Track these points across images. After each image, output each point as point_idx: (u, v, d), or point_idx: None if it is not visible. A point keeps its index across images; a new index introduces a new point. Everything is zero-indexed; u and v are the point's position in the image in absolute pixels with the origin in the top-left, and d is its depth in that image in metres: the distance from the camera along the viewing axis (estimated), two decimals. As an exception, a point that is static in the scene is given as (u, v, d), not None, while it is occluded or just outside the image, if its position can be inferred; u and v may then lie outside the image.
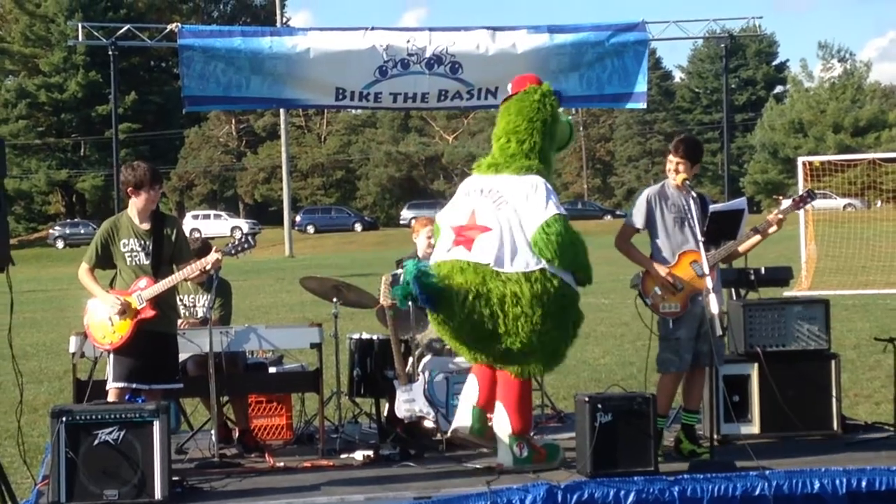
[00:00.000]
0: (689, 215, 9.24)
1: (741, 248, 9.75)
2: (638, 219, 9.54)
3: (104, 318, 9.15)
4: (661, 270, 9.26)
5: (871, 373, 15.34)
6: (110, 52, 13.81)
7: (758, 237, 9.61)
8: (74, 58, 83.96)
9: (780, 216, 9.63)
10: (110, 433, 8.27)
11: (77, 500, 8.16)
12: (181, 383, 9.47)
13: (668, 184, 9.60)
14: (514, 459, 8.99)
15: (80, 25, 14.91)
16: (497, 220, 8.89)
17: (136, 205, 9.30)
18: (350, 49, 13.18)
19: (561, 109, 9.39)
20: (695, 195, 9.29)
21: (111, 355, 9.17)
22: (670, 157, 9.56)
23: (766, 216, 9.70)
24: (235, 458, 10.08)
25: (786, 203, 9.86)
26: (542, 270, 8.77)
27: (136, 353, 9.09)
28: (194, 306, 10.85)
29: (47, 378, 17.62)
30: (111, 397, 9.08)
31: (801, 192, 10.07)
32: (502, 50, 13.36)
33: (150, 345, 9.12)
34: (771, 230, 9.61)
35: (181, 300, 10.65)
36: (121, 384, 9.10)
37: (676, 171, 9.49)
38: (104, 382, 9.30)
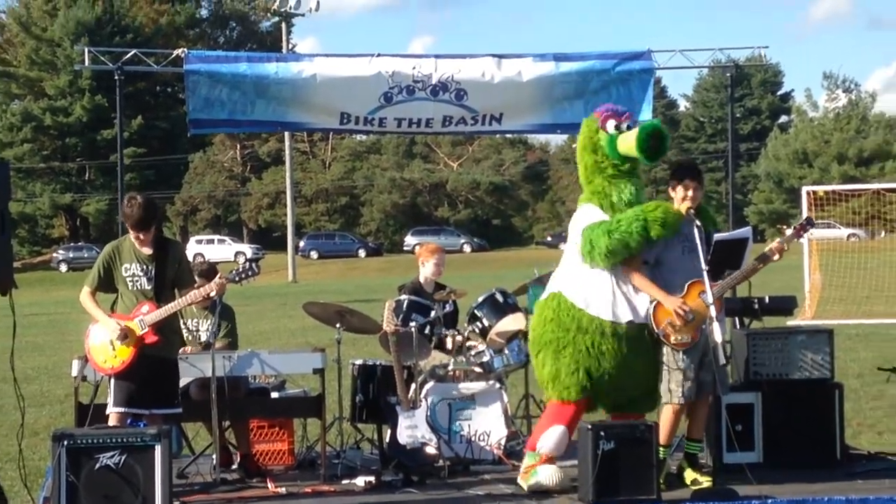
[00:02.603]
0: (694, 244, 9.21)
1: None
2: (651, 251, 9.48)
3: (105, 342, 9.14)
4: (675, 302, 9.19)
5: (874, 402, 15.31)
6: (116, 77, 13.86)
7: (760, 265, 9.59)
8: (80, 82, 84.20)
9: (783, 245, 9.62)
10: (111, 457, 8.26)
11: (77, 524, 8.16)
12: (180, 408, 9.45)
13: None
14: None
15: (86, 50, 14.96)
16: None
17: (133, 235, 9.31)
18: (356, 75, 13.22)
19: (618, 123, 9.31)
20: (698, 224, 9.26)
21: (112, 380, 9.16)
22: (680, 184, 9.49)
23: (769, 244, 9.69)
24: (237, 482, 10.06)
25: (788, 232, 9.84)
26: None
27: (136, 377, 9.08)
28: (198, 331, 10.84)
29: (49, 401, 17.59)
30: (112, 422, 9.06)
31: (801, 221, 10.05)
32: (507, 77, 13.40)
33: (150, 369, 9.10)
34: (775, 258, 9.60)
35: (185, 324, 10.65)
36: (121, 409, 9.08)
37: (686, 199, 9.43)
38: (106, 406, 9.28)
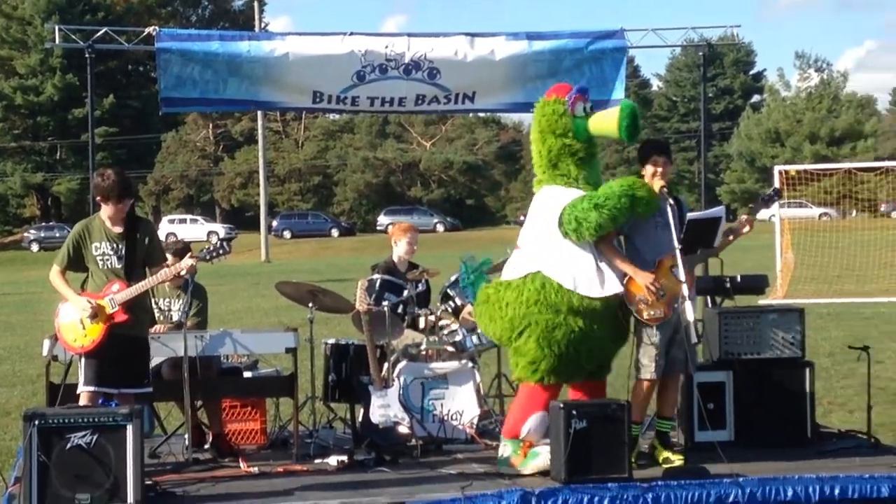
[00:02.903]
0: (667, 219, 9.23)
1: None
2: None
3: (75, 320, 9.10)
4: (647, 277, 9.22)
5: (845, 381, 15.37)
6: (87, 55, 13.76)
7: (731, 238, 9.64)
8: (51, 60, 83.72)
9: (752, 216, 9.69)
10: (83, 437, 8.23)
11: (49, 504, 8.13)
12: (151, 387, 9.41)
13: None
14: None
15: (56, 28, 14.84)
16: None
17: (106, 211, 9.25)
18: (328, 53, 13.17)
19: (584, 105, 9.31)
20: (671, 200, 9.28)
21: (82, 359, 9.12)
22: (649, 161, 9.50)
23: (739, 217, 9.76)
24: (209, 462, 10.04)
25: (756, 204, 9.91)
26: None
27: (106, 356, 9.04)
28: (170, 310, 10.81)
29: (20, 381, 17.53)
30: (83, 401, 9.02)
31: (769, 192, 10.09)
32: (480, 56, 13.36)
33: (121, 348, 9.06)
34: (745, 230, 9.65)
35: (157, 304, 10.63)
36: (91, 388, 9.04)
37: (657, 175, 9.45)
38: (77, 386, 9.24)
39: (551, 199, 9.26)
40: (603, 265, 9.22)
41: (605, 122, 9.15)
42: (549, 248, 9.23)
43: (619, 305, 9.29)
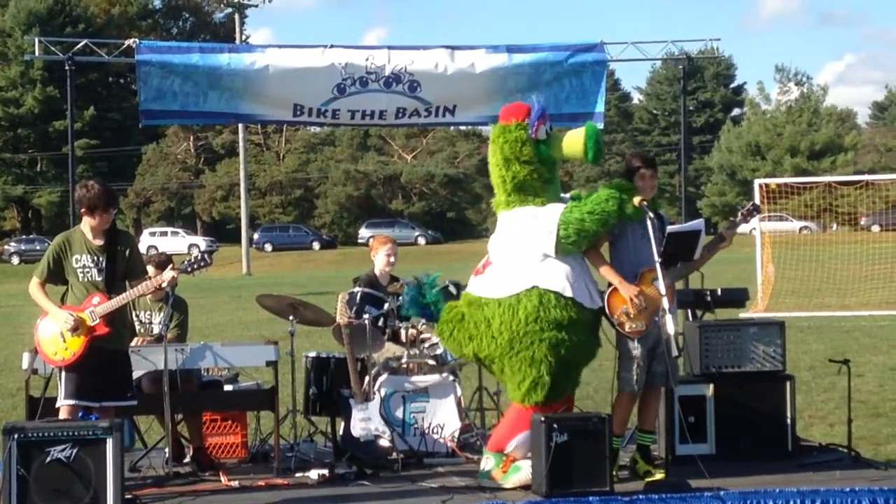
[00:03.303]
0: (648, 233, 9.26)
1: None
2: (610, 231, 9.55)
3: (56, 333, 9.06)
4: (632, 289, 9.26)
5: (826, 394, 15.40)
6: (67, 68, 13.71)
7: (710, 254, 9.68)
8: (31, 73, 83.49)
9: (732, 231, 9.74)
10: (63, 451, 8.21)
11: (28, 518, 8.09)
12: (134, 400, 9.38)
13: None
14: None
15: (36, 40, 14.79)
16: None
17: (88, 223, 9.22)
18: (309, 66, 13.15)
19: (546, 128, 9.32)
20: (652, 215, 9.32)
21: (62, 372, 9.08)
22: (637, 174, 9.55)
23: (719, 230, 9.80)
24: (189, 476, 10.02)
25: (736, 218, 9.95)
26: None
27: (87, 370, 9.00)
28: (150, 323, 10.78)
29: (0, 395, 17.47)
30: (63, 414, 8.99)
31: (748, 206, 10.13)
32: (461, 69, 13.35)
33: (102, 362, 9.03)
34: (722, 245, 9.70)
35: (137, 317, 10.60)
36: (72, 401, 9.00)
37: (644, 187, 9.51)
38: (57, 399, 9.19)
39: (534, 218, 9.23)
40: (591, 280, 9.27)
41: (571, 145, 9.25)
42: (542, 263, 9.21)
43: (598, 320, 9.33)
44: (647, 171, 9.57)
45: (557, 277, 9.15)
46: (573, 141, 9.20)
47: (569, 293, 9.10)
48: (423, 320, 10.50)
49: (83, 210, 9.19)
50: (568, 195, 9.63)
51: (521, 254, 9.29)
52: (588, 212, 9.10)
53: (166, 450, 10.11)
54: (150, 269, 10.04)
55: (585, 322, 9.19)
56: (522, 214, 9.31)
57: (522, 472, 9.05)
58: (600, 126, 13.70)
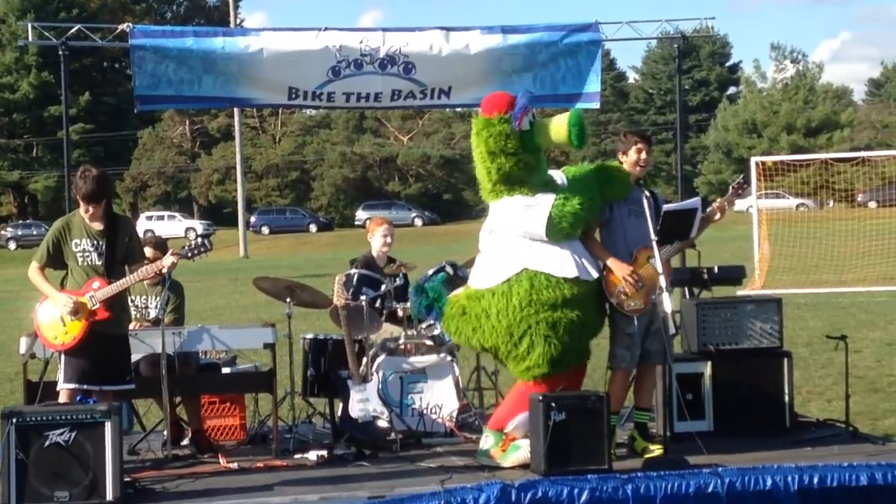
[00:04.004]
0: (642, 210, 9.29)
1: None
2: (604, 210, 9.54)
3: (56, 318, 9.06)
4: (626, 269, 9.29)
5: (823, 370, 15.43)
6: (61, 53, 13.70)
7: (703, 226, 9.70)
8: (26, 58, 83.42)
9: (724, 204, 9.78)
10: (61, 434, 8.22)
11: (27, 502, 8.09)
12: (133, 384, 9.39)
13: None
14: None
15: (30, 25, 14.79)
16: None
17: (84, 209, 9.21)
18: (303, 49, 13.13)
19: (530, 117, 9.29)
20: (647, 193, 9.35)
21: (62, 356, 9.09)
22: (634, 148, 9.57)
23: (713, 205, 9.84)
24: (188, 458, 10.04)
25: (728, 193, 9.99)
26: None
27: (87, 354, 9.01)
28: (147, 307, 10.79)
29: (-2, 380, 17.50)
30: (62, 398, 9.00)
31: (738, 180, 10.13)
32: (456, 51, 13.34)
33: (101, 346, 9.04)
34: (716, 218, 9.76)
35: (133, 301, 10.59)
36: (72, 385, 9.02)
37: (639, 162, 9.54)
38: (55, 384, 9.19)
39: (526, 208, 9.22)
40: (584, 252, 9.28)
41: (556, 133, 9.22)
42: (531, 246, 9.22)
43: (600, 291, 9.34)
44: (643, 146, 9.58)
45: (546, 257, 9.15)
46: (557, 128, 9.19)
47: (559, 272, 9.11)
48: (432, 320, 10.46)
49: (78, 197, 9.19)
50: (560, 171, 9.61)
51: (511, 240, 9.30)
52: (579, 202, 9.12)
53: (165, 432, 10.12)
54: (149, 250, 10.06)
55: (581, 297, 9.18)
56: (514, 204, 9.28)
57: (521, 451, 9.07)
58: (596, 106, 13.84)
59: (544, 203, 9.16)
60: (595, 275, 9.28)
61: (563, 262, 9.16)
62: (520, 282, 9.15)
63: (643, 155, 9.57)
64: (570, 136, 9.07)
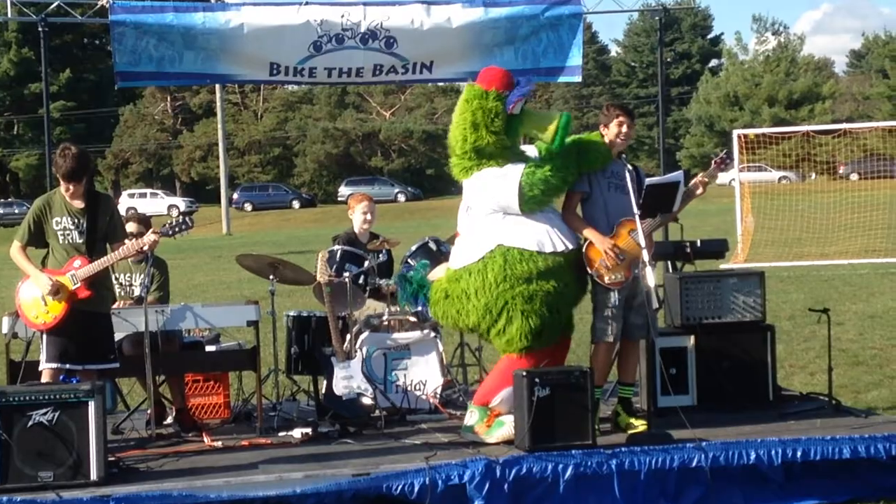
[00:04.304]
0: (624, 182, 9.29)
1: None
2: (584, 184, 9.53)
3: (37, 297, 9.03)
4: (606, 242, 9.28)
5: (806, 344, 15.47)
6: (41, 29, 13.65)
7: (683, 204, 9.68)
8: (6, 35, 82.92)
9: (706, 178, 9.76)
10: (44, 414, 8.19)
11: (11, 482, 8.06)
12: (117, 363, 9.36)
13: None
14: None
15: (9, 2, 14.72)
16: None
17: (64, 188, 9.17)
18: (284, 24, 13.11)
19: (523, 105, 9.27)
20: (630, 167, 9.35)
21: (44, 335, 9.06)
22: (615, 121, 9.55)
23: (694, 179, 9.83)
24: (172, 437, 10.02)
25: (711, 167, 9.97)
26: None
27: (69, 333, 8.98)
28: (130, 285, 10.74)
29: (-19, 360, 17.41)
30: (45, 378, 8.97)
31: (721, 154, 10.12)
32: (437, 24, 13.33)
33: (84, 325, 9.01)
34: (698, 192, 9.74)
35: (117, 279, 10.55)
36: (54, 364, 8.99)
37: (621, 135, 9.53)
38: (38, 363, 9.16)
39: (499, 178, 9.20)
40: (559, 223, 9.26)
41: (541, 128, 9.26)
42: (503, 221, 9.21)
43: (577, 262, 9.33)
44: (625, 120, 9.56)
45: (519, 232, 9.14)
46: (545, 125, 9.19)
47: (532, 246, 9.09)
48: (420, 307, 10.42)
49: (58, 177, 9.15)
50: (534, 146, 9.57)
51: (486, 217, 9.28)
52: (549, 169, 9.11)
53: (148, 411, 10.08)
54: (133, 225, 10.05)
55: (556, 268, 9.14)
56: (485, 177, 9.26)
57: (506, 427, 9.06)
58: (578, 79, 13.85)
59: (514, 172, 9.14)
60: (570, 246, 9.24)
61: (536, 235, 9.14)
62: (493, 258, 9.14)
63: (625, 128, 9.56)
64: (553, 137, 9.09)
